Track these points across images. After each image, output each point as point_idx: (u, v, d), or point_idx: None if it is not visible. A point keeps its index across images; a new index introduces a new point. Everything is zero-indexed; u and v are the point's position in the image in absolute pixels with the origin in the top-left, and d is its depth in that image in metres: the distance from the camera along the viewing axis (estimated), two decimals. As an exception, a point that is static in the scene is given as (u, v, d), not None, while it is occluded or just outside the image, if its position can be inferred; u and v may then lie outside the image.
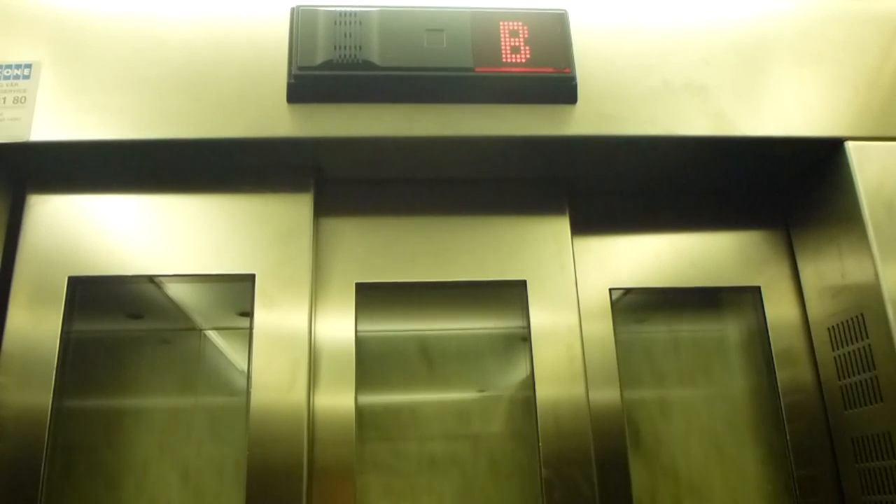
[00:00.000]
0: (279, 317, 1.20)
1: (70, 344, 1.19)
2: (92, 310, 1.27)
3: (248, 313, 1.20)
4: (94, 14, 1.25)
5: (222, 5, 1.27)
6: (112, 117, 1.18)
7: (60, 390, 1.14)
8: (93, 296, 1.26)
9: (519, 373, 1.34)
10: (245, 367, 1.19)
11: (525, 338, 1.28)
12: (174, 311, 1.35)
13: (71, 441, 1.21)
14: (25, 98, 1.17)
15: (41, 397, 1.13)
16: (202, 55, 1.23)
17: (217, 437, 1.28)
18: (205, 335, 1.35)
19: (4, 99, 1.17)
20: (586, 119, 1.25)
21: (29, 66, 1.20)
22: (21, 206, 1.22)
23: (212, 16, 1.26)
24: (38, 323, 1.16)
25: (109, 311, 1.33)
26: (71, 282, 1.19)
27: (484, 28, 1.24)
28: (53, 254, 1.20)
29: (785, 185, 1.43)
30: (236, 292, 1.29)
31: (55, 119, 1.17)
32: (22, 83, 1.18)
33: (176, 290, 1.33)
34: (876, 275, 1.18)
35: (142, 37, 1.23)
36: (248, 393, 1.15)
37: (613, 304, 1.37)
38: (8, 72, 1.19)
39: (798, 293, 1.40)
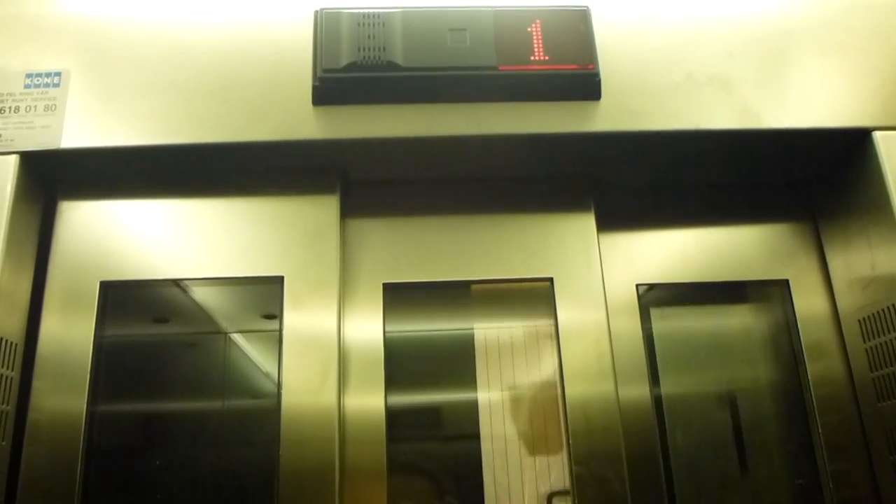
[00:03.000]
0: (308, 318, 1.20)
1: (103, 348, 1.20)
2: (121, 314, 1.28)
3: (273, 316, 1.21)
4: (121, 21, 1.26)
5: (247, 10, 1.28)
6: (140, 123, 1.19)
7: (94, 394, 1.15)
8: (120, 301, 1.27)
9: (548, 371, 1.34)
10: (271, 370, 1.20)
11: (552, 335, 1.28)
12: (200, 315, 1.35)
13: (105, 444, 1.22)
14: (56, 106, 1.19)
15: (76, 401, 1.14)
16: (228, 60, 1.24)
17: (246, 439, 1.28)
18: (230, 338, 1.36)
19: (35, 107, 1.18)
20: (611, 115, 1.25)
21: (58, 73, 1.21)
22: (53, 213, 1.24)
23: (237, 21, 1.27)
24: (71, 328, 1.17)
25: (136, 315, 1.34)
26: (103, 286, 1.20)
27: (507, 26, 1.25)
28: (85, 259, 1.21)
29: (812, 177, 1.42)
30: (260, 295, 1.30)
31: (85, 126, 1.19)
32: (52, 91, 1.20)
33: (201, 294, 1.34)
34: (907, 265, 1.17)
35: (168, 43, 1.25)
36: (278, 395, 1.16)
37: (640, 299, 1.37)
38: (38, 80, 1.20)
39: (827, 285, 1.38)
